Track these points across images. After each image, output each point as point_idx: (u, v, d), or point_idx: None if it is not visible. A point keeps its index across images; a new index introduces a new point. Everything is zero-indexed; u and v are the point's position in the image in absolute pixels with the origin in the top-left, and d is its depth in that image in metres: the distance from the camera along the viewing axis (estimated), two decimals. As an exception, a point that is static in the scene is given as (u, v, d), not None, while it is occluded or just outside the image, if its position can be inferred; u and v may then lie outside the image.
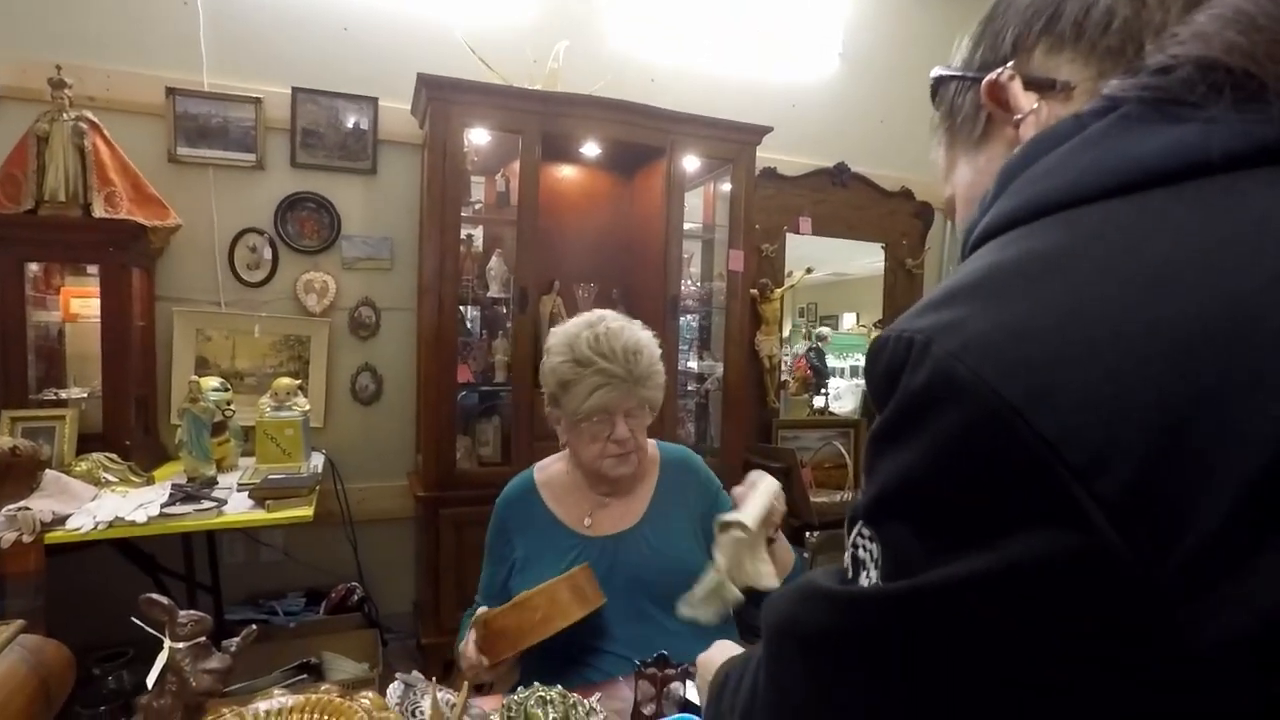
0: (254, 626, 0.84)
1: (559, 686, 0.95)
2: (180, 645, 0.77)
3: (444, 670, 2.46)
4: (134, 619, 0.79)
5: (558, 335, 1.25)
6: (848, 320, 4.88)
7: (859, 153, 3.47)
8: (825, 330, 4.04)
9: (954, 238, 3.72)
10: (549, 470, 1.35)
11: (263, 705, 0.75)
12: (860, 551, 0.39)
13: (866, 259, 4.24)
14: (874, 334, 4.53)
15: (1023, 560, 0.30)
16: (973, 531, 0.32)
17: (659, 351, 1.25)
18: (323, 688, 0.80)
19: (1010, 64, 0.47)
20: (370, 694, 0.80)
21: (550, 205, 2.77)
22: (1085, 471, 0.28)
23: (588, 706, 0.93)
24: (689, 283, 2.96)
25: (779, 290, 3.29)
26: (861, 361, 4.47)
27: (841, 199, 3.48)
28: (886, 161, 3.54)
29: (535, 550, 1.25)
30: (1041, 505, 0.30)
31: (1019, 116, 0.46)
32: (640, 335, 1.23)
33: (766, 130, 2.81)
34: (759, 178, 3.00)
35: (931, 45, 3.63)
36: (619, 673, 1.09)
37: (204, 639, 0.80)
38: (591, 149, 2.74)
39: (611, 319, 1.25)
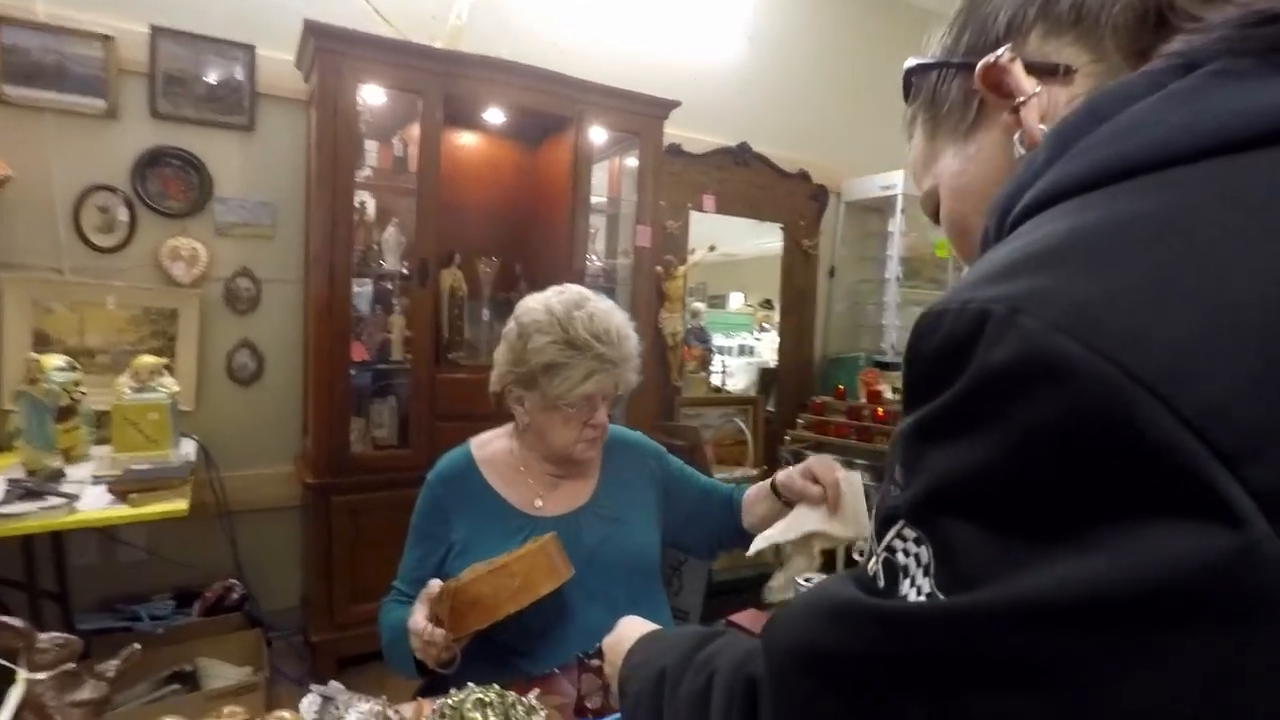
0: (137, 646, 0.71)
1: (496, 686, 0.89)
2: (41, 676, 0.64)
3: (337, 668, 2.30)
4: (-20, 647, 0.65)
5: (538, 312, 1.15)
6: (735, 300, 4.99)
7: (761, 133, 3.51)
8: (699, 306, 4.08)
9: (845, 221, 3.86)
10: (489, 448, 1.25)
11: (154, 737, 0.64)
12: (900, 556, 0.34)
13: (756, 240, 4.33)
14: (759, 313, 4.65)
15: (1149, 562, 0.26)
16: (1076, 532, 0.28)
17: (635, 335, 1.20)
18: (226, 710, 0.69)
19: (1008, 46, 0.45)
20: (286, 713, 0.70)
21: (451, 173, 2.61)
22: (1234, 458, 0.25)
23: (528, 704, 0.87)
24: (594, 259, 2.90)
25: (683, 268, 3.29)
26: (750, 340, 4.58)
27: (744, 178, 3.52)
28: (786, 143, 3.61)
29: (478, 532, 1.16)
30: (1176, 499, 0.26)
31: (1020, 100, 0.43)
32: (622, 316, 1.18)
33: (675, 105, 2.77)
34: (665, 154, 2.97)
35: (837, 33, 3.73)
36: (554, 663, 1.04)
37: (72, 665, 0.67)
38: (496, 115, 2.60)
39: (595, 298, 1.18)
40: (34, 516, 1.53)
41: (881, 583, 0.35)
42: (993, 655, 0.29)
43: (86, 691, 0.67)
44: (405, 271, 2.45)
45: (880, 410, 2.32)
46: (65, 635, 0.68)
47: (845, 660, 0.35)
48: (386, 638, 1.13)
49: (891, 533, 0.35)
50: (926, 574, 0.32)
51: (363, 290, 2.59)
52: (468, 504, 1.18)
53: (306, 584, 2.53)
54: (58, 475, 1.78)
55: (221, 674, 2.04)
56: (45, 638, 0.66)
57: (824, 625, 0.36)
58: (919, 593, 0.33)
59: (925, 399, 0.35)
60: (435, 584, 1.01)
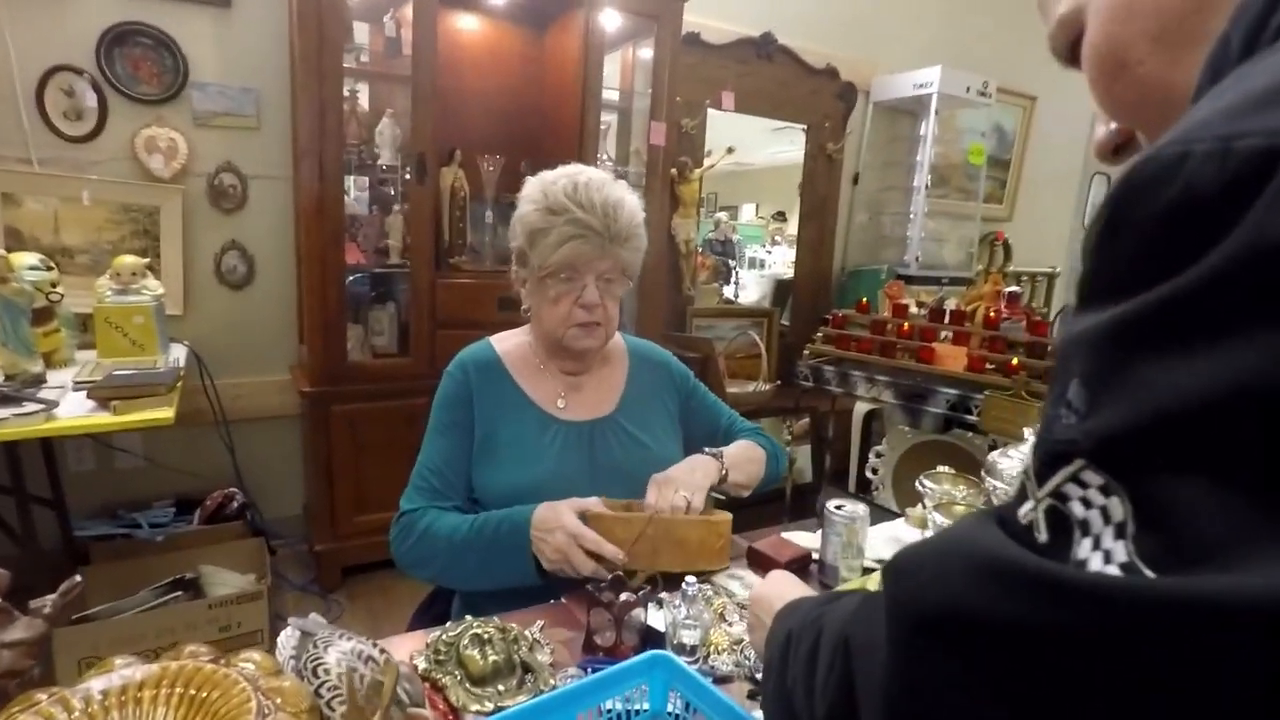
0: (78, 579, 0.62)
1: (495, 619, 0.80)
2: (-37, 613, 0.55)
3: (341, 576, 2.29)
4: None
5: (532, 184, 1.08)
6: (747, 211, 4.77)
7: (787, 23, 3.21)
8: (721, 215, 3.89)
9: (873, 123, 3.60)
10: (509, 342, 1.17)
11: (97, 685, 0.55)
12: (1077, 507, 0.24)
13: (772, 148, 4.07)
14: (771, 226, 4.44)
15: None
16: None
17: (643, 215, 1.09)
18: (187, 650, 0.61)
19: None
20: (256, 654, 0.61)
21: (450, 60, 2.40)
22: None
23: (530, 639, 0.79)
24: (605, 158, 2.70)
25: (698, 170, 3.08)
26: (761, 253, 4.39)
27: (766, 73, 3.24)
28: (814, 35, 3.32)
29: (509, 430, 1.08)
30: None
31: None
32: (624, 192, 1.07)
33: (696, -16, 2.50)
34: (682, 44, 2.71)
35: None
36: (561, 592, 0.95)
37: (0, 601, 0.58)
38: (497, -7, 2.35)
39: (594, 172, 1.07)
40: (9, 424, 1.44)
41: (1043, 536, 0.25)
42: (1221, 668, 0.20)
43: (19, 630, 0.58)
44: (403, 169, 2.27)
45: (906, 325, 2.18)
46: (-13, 568, 0.58)
47: (996, 632, 0.25)
48: (458, 540, 0.98)
49: (1061, 474, 0.25)
50: (1119, 535, 0.23)
51: (360, 191, 2.43)
52: (491, 395, 1.09)
53: (308, 493, 2.49)
54: (38, 380, 1.69)
55: (225, 581, 2.01)
56: (-37, 570, 0.57)
57: (970, 582, 0.26)
58: (1107, 559, 0.23)
59: (1138, 284, 0.23)
60: (594, 502, 0.96)
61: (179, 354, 2.02)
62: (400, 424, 2.22)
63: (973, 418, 1.92)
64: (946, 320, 2.16)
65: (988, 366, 1.95)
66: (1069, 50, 0.40)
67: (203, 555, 2.06)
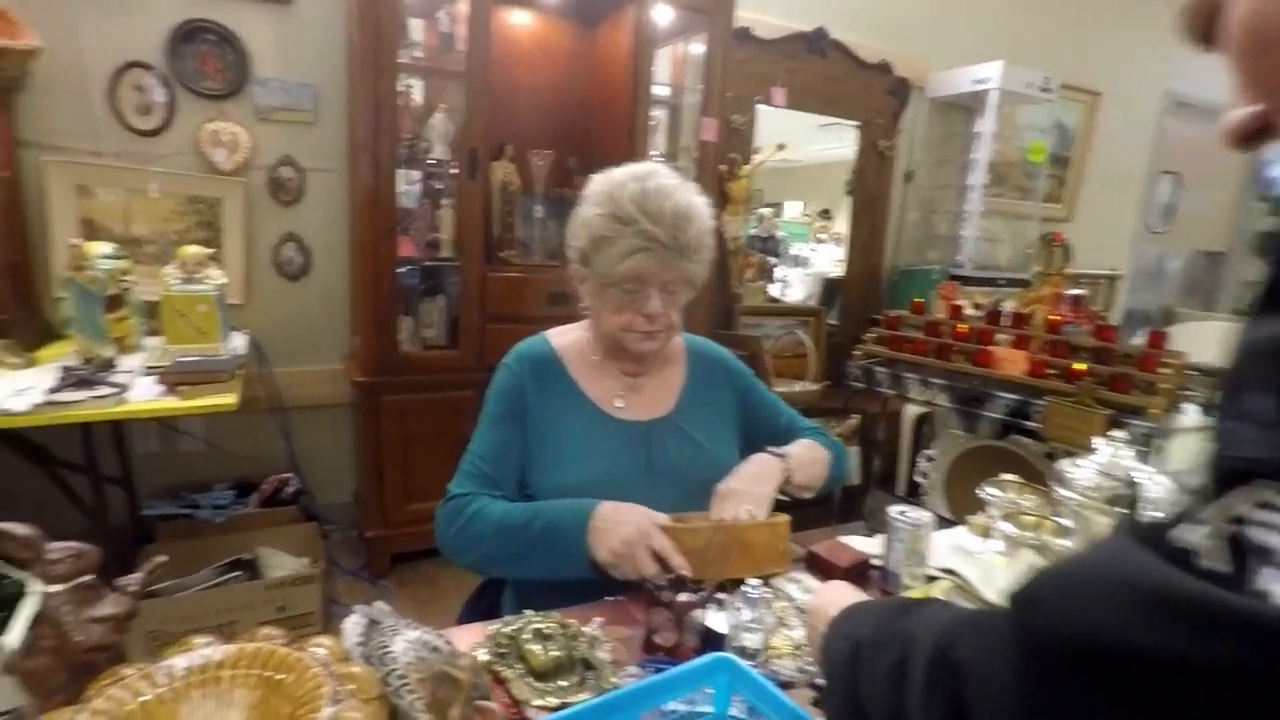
0: (162, 558, 0.64)
1: (556, 614, 0.80)
2: (55, 589, 0.57)
3: (390, 563, 2.33)
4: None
5: (598, 183, 1.04)
6: (792, 208, 4.70)
7: (840, 17, 3.16)
8: (765, 211, 3.84)
9: (928, 119, 3.51)
10: (567, 338, 1.16)
11: (180, 662, 0.57)
12: (1259, 533, 0.22)
13: (819, 144, 4.00)
14: (816, 223, 4.36)
15: None
16: None
17: (711, 223, 1.06)
18: (261, 633, 0.62)
19: None
20: (327, 640, 0.62)
21: (502, 56, 2.41)
22: None
23: (590, 636, 0.79)
24: (655, 153, 2.69)
25: (748, 167, 3.05)
26: (806, 250, 4.32)
27: (817, 69, 3.19)
28: (868, 30, 3.25)
29: (565, 427, 1.07)
30: None
31: None
32: (694, 199, 1.03)
33: (750, -22, 2.47)
34: (733, 38, 2.68)
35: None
36: (620, 590, 0.95)
37: (89, 577, 0.59)
38: (551, -11, 2.36)
39: (665, 174, 1.04)
40: (85, 405, 1.50)
41: (1219, 565, 0.23)
42: None
43: (108, 606, 0.60)
44: (454, 164, 2.30)
45: (961, 327, 2.12)
46: (80, 545, 0.60)
47: (1157, 666, 0.23)
48: (509, 525, 0.97)
49: (1242, 496, 0.23)
50: None
51: (410, 185, 2.47)
52: (547, 391, 1.08)
53: (359, 481, 2.54)
54: (110, 365, 1.75)
55: (281, 564, 2.07)
56: (57, 547, 0.59)
57: (1127, 613, 0.25)
58: None
59: None
60: (661, 518, 0.95)
61: (239, 342, 2.08)
62: (449, 416, 2.25)
63: (1032, 424, 1.86)
64: (1005, 323, 2.09)
65: (1049, 371, 1.89)
66: (1204, 29, 0.37)
67: (259, 538, 2.12)
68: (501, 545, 0.97)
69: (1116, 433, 1.06)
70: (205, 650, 0.59)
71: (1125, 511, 0.98)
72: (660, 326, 1.04)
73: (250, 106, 2.28)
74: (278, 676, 0.58)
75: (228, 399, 1.63)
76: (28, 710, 0.62)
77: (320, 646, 0.61)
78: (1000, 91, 3.24)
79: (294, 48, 2.31)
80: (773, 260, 3.63)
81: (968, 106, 3.49)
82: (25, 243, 2.06)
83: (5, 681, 0.58)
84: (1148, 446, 1.54)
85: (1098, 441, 1.05)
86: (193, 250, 1.91)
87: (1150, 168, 4.55)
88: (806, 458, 1.11)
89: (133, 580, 0.62)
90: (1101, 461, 1.00)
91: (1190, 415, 1.56)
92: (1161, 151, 4.52)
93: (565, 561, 0.95)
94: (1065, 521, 1.02)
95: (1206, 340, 1.57)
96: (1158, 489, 0.96)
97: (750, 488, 1.02)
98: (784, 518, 1.01)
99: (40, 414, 1.45)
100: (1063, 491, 1.01)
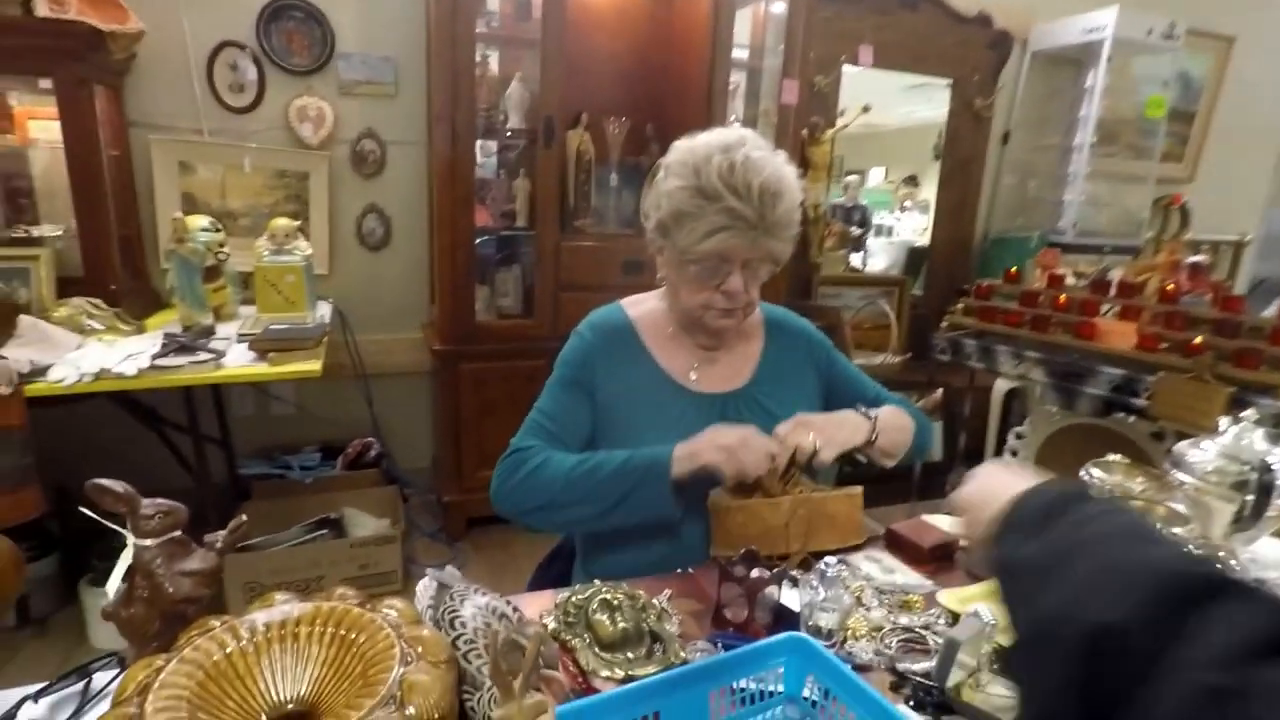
0: (244, 518, 0.66)
1: (625, 585, 0.79)
2: (148, 543, 0.60)
3: (466, 527, 2.40)
4: (82, 509, 0.61)
5: (681, 151, 0.98)
6: (875, 175, 4.48)
7: (934, -34, 2.95)
8: (851, 179, 3.69)
9: (1029, 75, 3.26)
10: (643, 308, 1.13)
11: (261, 617, 0.58)
12: None
13: (906, 107, 3.78)
14: (901, 190, 4.16)
15: None
16: None
17: (800, 197, 0.99)
18: (337, 592, 0.63)
19: None
20: (398, 602, 0.63)
21: (577, 22, 2.37)
22: None
23: (659, 609, 0.77)
24: (733, 118, 2.61)
25: (831, 131, 2.92)
26: (889, 219, 4.12)
27: (908, 25, 3.01)
28: (965, -22, 3.03)
29: (626, 395, 1.05)
30: None
31: None
32: (784, 172, 0.97)
33: (836, -73, 2.33)
34: (817, -6, 2.55)
35: None
36: (692, 562, 0.93)
37: (179, 534, 0.62)
38: (626, -52, 2.30)
39: (754, 144, 0.97)
40: (185, 370, 1.59)
41: None
42: None
43: (196, 561, 0.63)
44: (530, 133, 2.29)
45: (1061, 298, 1.97)
46: (169, 502, 0.63)
47: None
48: (579, 473, 0.95)
49: None
50: None
51: (488, 155, 2.48)
52: (618, 361, 1.06)
53: (437, 446, 2.62)
54: (209, 332, 1.86)
55: (364, 524, 2.16)
56: (148, 504, 0.61)
57: None
58: None
59: None
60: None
61: (325, 311, 2.16)
62: (523, 384, 2.27)
63: (1141, 401, 1.72)
64: (1112, 293, 1.93)
65: (1162, 345, 1.73)
66: None
67: (344, 499, 2.23)
68: (571, 490, 0.95)
69: (1244, 413, 0.95)
70: (285, 606, 0.61)
71: (1250, 498, 0.89)
72: (740, 304, 1.00)
73: (334, 81, 2.33)
74: (351, 635, 0.59)
75: (313, 365, 1.69)
76: (128, 653, 0.66)
77: (392, 609, 0.62)
78: (1115, 41, 2.97)
79: (375, 22, 2.34)
80: (856, 230, 3.50)
81: (1076, 60, 3.21)
82: (135, 217, 2.19)
83: (107, 628, 0.62)
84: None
85: (1223, 421, 0.95)
86: (282, 222, 1.98)
87: (1288, 122, 4.09)
88: (892, 424, 1.05)
89: (218, 537, 0.65)
90: (1225, 443, 0.91)
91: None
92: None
93: (647, 502, 0.91)
94: (1179, 507, 0.93)
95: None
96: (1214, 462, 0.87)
97: (825, 425, 0.97)
98: (858, 489, 0.97)
99: (146, 377, 1.55)
100: (1179, 475, 0.91)
